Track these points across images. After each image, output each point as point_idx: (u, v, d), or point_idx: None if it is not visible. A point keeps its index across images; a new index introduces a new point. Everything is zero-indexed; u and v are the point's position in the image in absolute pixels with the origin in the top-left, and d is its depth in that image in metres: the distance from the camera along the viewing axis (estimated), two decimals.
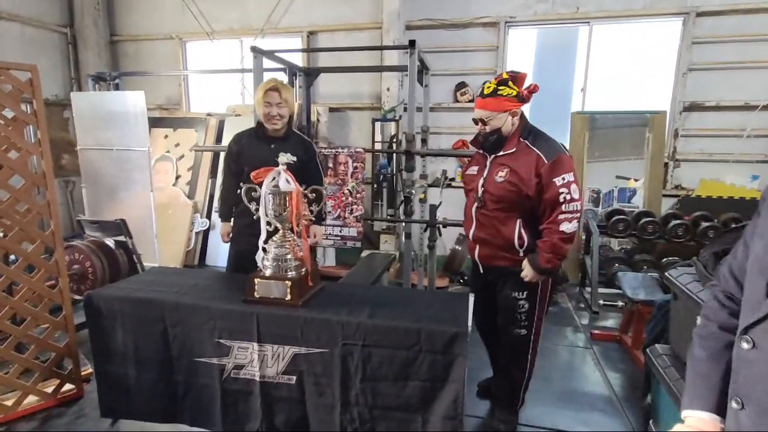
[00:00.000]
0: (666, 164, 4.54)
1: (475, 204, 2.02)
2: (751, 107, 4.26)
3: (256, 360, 1.78)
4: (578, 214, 1.88)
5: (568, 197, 1.84)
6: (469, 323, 1.69)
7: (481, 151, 2.07)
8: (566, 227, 1.86)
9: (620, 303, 3.82)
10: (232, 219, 2.54)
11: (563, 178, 1.85)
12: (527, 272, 1.94)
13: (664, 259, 3.99)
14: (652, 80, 4.60)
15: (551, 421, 2.29)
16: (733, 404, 0.73)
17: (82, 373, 2.38)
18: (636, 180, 4.65)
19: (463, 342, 1.61)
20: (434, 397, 1.64)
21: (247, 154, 2.43)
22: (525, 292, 2.01)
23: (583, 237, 4.41)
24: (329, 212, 3.46)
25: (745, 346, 0.71)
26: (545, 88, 4.93)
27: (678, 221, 3.87)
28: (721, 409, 0.80)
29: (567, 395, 2.57)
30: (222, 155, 5.11)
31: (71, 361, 2.32)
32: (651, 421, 2.13)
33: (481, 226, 2.02)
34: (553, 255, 1.88)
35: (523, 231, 1.95)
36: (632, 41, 4.59)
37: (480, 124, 1.96)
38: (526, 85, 1.96)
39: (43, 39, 5.37)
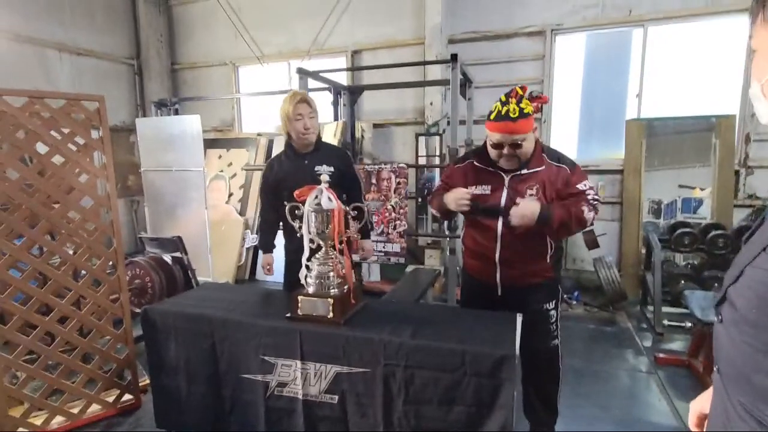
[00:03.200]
0: (737, 172, 4.16)
1: (500, 225, 1.89)
2: None
3: (299, 378, 1.78)
4: (597, 211, 1.85)
5: (590, 196, 1.84)
6: (517, 346, 1.60)
7: (490, 169, 1.92)
8: (586, 211, 1.80)
9: (688, 323, 3.51)
10: (284, 246, 2.51)
11: (585, 184, 1.87)
12: (526, 210, 1.75)
13: None
14: (717, 82, 4.27)
15: None
16: (715, 369, 0.87)
17: (140, 384, 2.51)
18: (702, 189, 4.30)
19: (511, 365, 1.53)
20: (481, 423, 1.56)
21: (283, 178, 2.40)
22: (553, 302, 1.98)
23: (643, 251, 4.12)
24: (372, 229, 3.44)
25: (715, 320, 0.87)
26: (596, 95, 4.80)
27: None
28: None
29: (629, 425, 2.37)
30: None
31: (130, 372, 2.46)
32: None
33: (508, 246, 1.88)
34: (565, 219, 1.77)
35: (548, 239, 1.92)
36: (692, 41, 4.29)
37: (509, 148, 1.81)
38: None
39: (114, 71, 5.89)
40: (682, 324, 3.55)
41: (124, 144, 5.85)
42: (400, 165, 3.55)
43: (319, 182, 1.84)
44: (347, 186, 2.48)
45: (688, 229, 3.72)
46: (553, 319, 1.99)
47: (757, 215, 4.03)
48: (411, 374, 1.63)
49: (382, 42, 5.14)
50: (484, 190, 1.92)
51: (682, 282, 3.78)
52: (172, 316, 2.00)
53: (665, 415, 2.45)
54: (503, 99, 1.81)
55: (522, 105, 1.78)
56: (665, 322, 3.56)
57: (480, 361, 1.55)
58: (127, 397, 2.45)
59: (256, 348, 1.84)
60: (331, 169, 2.40)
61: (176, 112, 5.51)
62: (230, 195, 5.45)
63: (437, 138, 4.72)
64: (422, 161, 4.77)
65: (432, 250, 4.60)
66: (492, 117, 1.82)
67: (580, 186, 1.85)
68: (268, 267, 2.57)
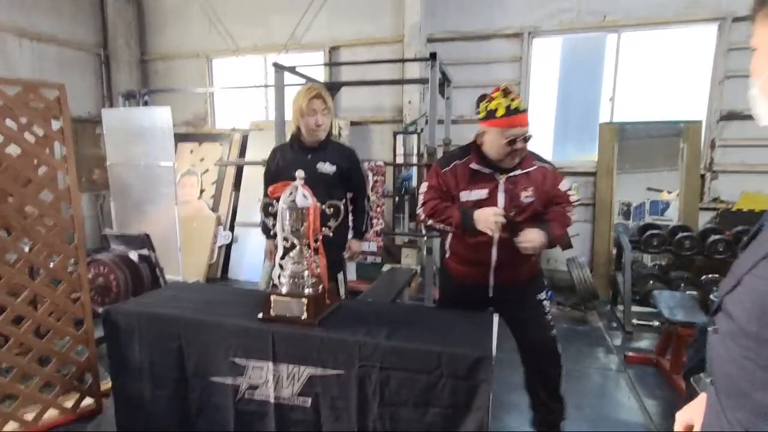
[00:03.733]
0: (702, 176, 4.32)
1: (497, 234, 1.83)
2: None
3: (271, 380, 1.72)
4: (574, 214, 1.98)
5: (570, 196, 1.97)
6: (494, 346, 1.59)
7: (487, 171, 1.88)
8: (570, 216, 1.94)
9: (656, 322, 3.61)
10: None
11: (564, 185, 1.97)
12: (535, 239, 1.77)
13: (704, 277, 3.76)
14: (686, 89, 4.41)
15: None
16: (708, 380, 0.85)
17: (102, 388, 2.38)
18: (669, 192, 4.44)
19: (487, 367, 1.51)
20: (457, 425, 1.54)
21: (284, 168, 2.33)
22: (543, 292, 2.03)
23: (614, 252, 4.22)
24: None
25: (710, 329, 0.84)
26: (571, 98, 4.88)
27: (718, 236, 3.65)
28: None
29: (600, 422, 2.41)
30: (245, 169, 5.20)
31: (91, 375, 2.33)
32: None
33: (504, 250, 1.87)
34: (562, 233, 1.90)
35: None
36: (664, 49, 4.42)
37: (520, 142, 1.80)
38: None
39: (78, 60, 5.61)
40: (651, 323, 3.65)
41: (89, 136, 5.59)
42: (378, 163, 3.51)
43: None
44: (353, 186, 2.45)
45: (656, 231, 3.83)
46: (547, 310, 2.01)
47: (721, 218, 4.18)
48: (386, 376, 1.59)
49: (361, 39, 5.08)
50: (480, 195, 1.87)
51: (651, 282, 3.89)
52: (136, 316, 1.89)
53: (634, 413, 2.50)
54: (497, 96, 1.78)
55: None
56: (634, 321, 3.65)
57: (456, 362, 1.53)
58: (87, 401, 2.32)
59: (226, 350, 1.76)
60: (334, 167, 2.34)
61: (146, 104, 5.30)
62: (202, 191, 5.29)
63: (415, 137, 4.70)
64: (400, 160, 4.74)
65: (409, 249, 4.58)
66: (500, 114, 1.76)
67: (562, 187, 1.93)
68: (271, 253, 2.48)
